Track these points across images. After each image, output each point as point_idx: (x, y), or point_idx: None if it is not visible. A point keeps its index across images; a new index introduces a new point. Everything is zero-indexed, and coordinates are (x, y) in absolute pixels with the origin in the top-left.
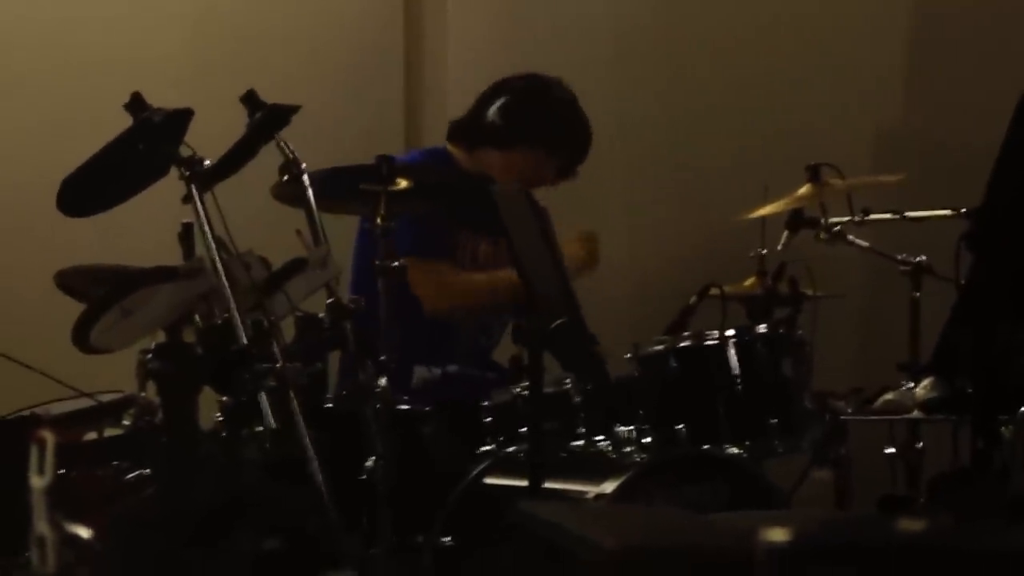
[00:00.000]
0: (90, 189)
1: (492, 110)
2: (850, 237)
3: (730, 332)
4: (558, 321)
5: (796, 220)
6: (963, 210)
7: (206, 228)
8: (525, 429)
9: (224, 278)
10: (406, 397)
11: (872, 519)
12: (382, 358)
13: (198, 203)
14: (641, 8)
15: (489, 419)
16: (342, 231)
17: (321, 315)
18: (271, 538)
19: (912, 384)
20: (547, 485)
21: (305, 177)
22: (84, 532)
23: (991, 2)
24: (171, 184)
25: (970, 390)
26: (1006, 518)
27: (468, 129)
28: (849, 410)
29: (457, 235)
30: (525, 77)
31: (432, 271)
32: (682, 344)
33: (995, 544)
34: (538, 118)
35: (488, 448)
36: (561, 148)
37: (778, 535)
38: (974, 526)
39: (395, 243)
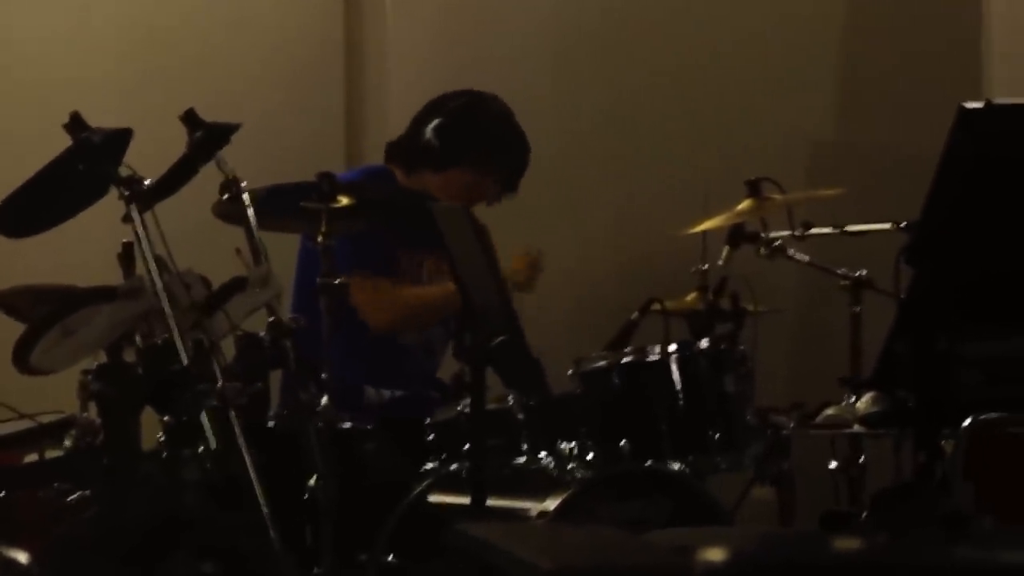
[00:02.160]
0: (29, 210)
1: (428, 131)
2: (790, 252)
3: (672, 348)
4: (499, 338)
5: (737, 235)
6: (903, 223)
7: (146, 247)
8: (468, 446)
9: (164, 298)
10: (355, 418)
11: (809, 536)
12: (323, 376)
13: (138, 223)
14: (582, 23)
15: (432, 436)
16: (283, 249)
17: (262, 334)
18: (211, 560)
19: (853, 399)
20: (490, 502)
21: (245, 195)
22: (22, 556)
23: (925, 12)
24: (111, 204)
25: (912, 404)
26: (945, 533)
27: (405, 151)
28: (791, 425)
29: (399, 252)
30: (459, 95)
31: (373, 287)
32: (624, 360)
33: (933, 560)
34: (473, 138)
35: (431, 466)
36: (498, 166)
37: (715, 554)
38: (912, 542)
39: (337, 261)
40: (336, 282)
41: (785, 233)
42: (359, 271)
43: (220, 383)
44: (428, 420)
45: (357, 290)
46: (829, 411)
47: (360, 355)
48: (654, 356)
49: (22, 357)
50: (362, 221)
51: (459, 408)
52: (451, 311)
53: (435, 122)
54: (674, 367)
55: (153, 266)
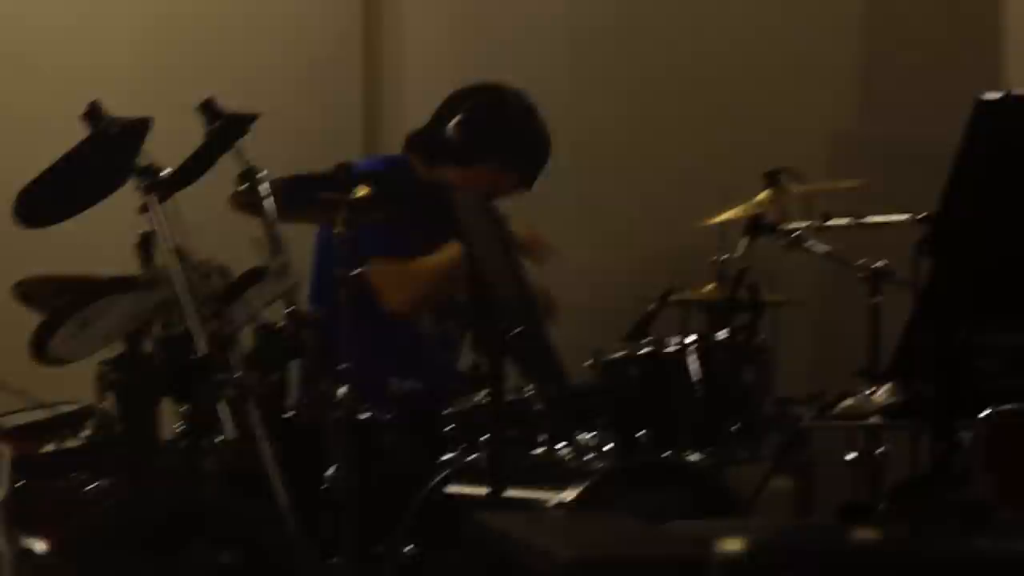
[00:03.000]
0: (48, 199)
1: (450, 127)
2: (809, 243)
3: (690, 339)
4: (517, 329)
5: (755, 226)
6: (921, 215)
7: (164, 237)
8: (486, 437)
9: (183, 288)
10: (374, 409)
11: (828, 527)
12: (342, 367)
13: (156, 213)
14: (600, 13)
15: (450, 427)
16: (301, 239)
17: (281, 324)
18: (230, 550)
19: (872, 390)
20: (508, 493)
21: (263, 185)
22: (41, 545)
23: (946, 5)
24: (129, 194)
25: (930, 395)
26: (964, 524)
27: (426, 144)
28: (809, 416)
29: (417, 242)
30: (482, 90)
31: (388, 270)
32: (642, 351)
33: (952, 551)
34: (497, 134)
35: (449, 456)
36: (521, 161)
37: (733, 544)
38: (931, 533)
39: (356, 250)
40: (354, 273)
41: (804, 224)
42: (376, 255)
43: (238, 373)
44: (446, 411)
45: (374, 275)
46: (847, 402)
47: (381, 346)
48: (672, 347)
49: (41, 347)
50: (380, 211)
51: (477, 399)
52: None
53: (458, 117)
54: (692, 358)
55: (171, 256)
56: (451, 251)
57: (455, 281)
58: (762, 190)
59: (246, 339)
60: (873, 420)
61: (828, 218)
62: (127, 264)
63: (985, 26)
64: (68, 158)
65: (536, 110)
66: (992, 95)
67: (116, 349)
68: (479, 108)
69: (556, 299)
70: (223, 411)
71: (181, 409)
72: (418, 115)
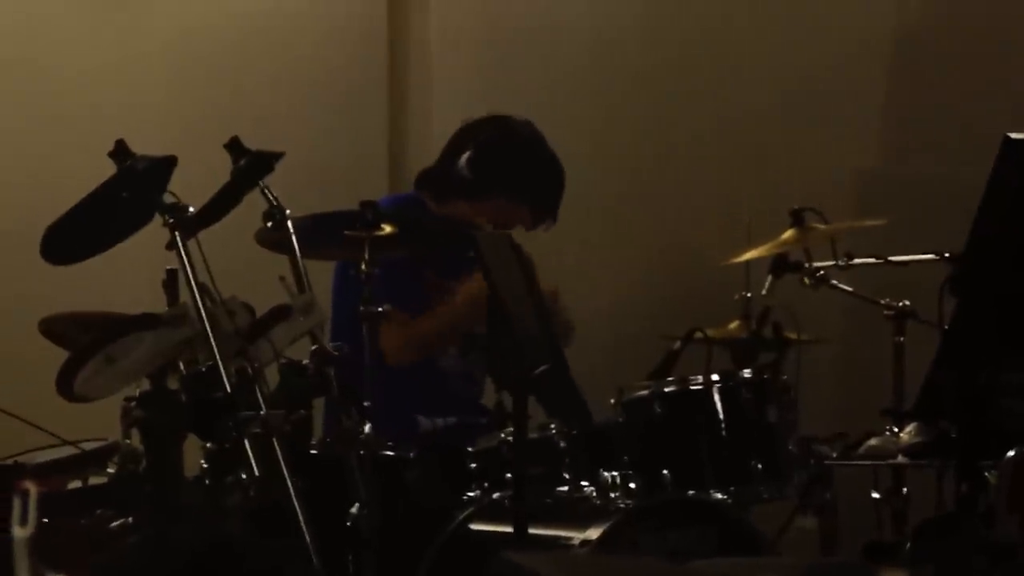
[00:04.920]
0: (74, 237)
1: (460, 162)
2: (834, 281)
3: (715, 377)
4: (541, 367)
5: (780, 264)
6: (946, 254)
7: (190, 275)
8: (510, 475)
9: (208, 325)
10: (398, 446)
11: (853, 566)
12: (366, 404)
13: (182, 250)
14: (623, 51)
15: (474, 464)
16: (326, 277)
17: (305, 362)
18: None
19: (896, 429)
20: (532, 531)
21: (289, 223)
22: None
23: (972, 44)
24: (155, 231)
25: (954, 435)
26: (989, 565)
27: (437, 181)
28: (834, 455)
29: (429, 280)
30: (490, 123)
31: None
32: (667, 389)
33: None
34: (506, 167)
35: (473, 494)
36: (532, 193)
37: None
38: (957, 572)
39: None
40: (379, 310)
41: (829, 263)
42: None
43: (263, 410)
44: (470, 448)
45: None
46: (872, 442)
47: (403, 382)
48: (697, 385)
49: (66, 384)
50: (403, 249)
51: (501, 436)
52: (471, 317)
53: (467, 153)
54: (717, 396)
55: (197, 293)
56: (470, 288)
57: (475, 315)
58: (787, 228)
59: (271, 376)
60: (898, 459)
61: (853, 257)
62: (153, 301)
63: (1012, 64)
64: (95, 196)
65: (543, 139)
66: (1019, 135)
67: (141, 386)
68: (487, 141)
69: (573, 322)
70: (248, 448)
71: (206, 446)
72: None
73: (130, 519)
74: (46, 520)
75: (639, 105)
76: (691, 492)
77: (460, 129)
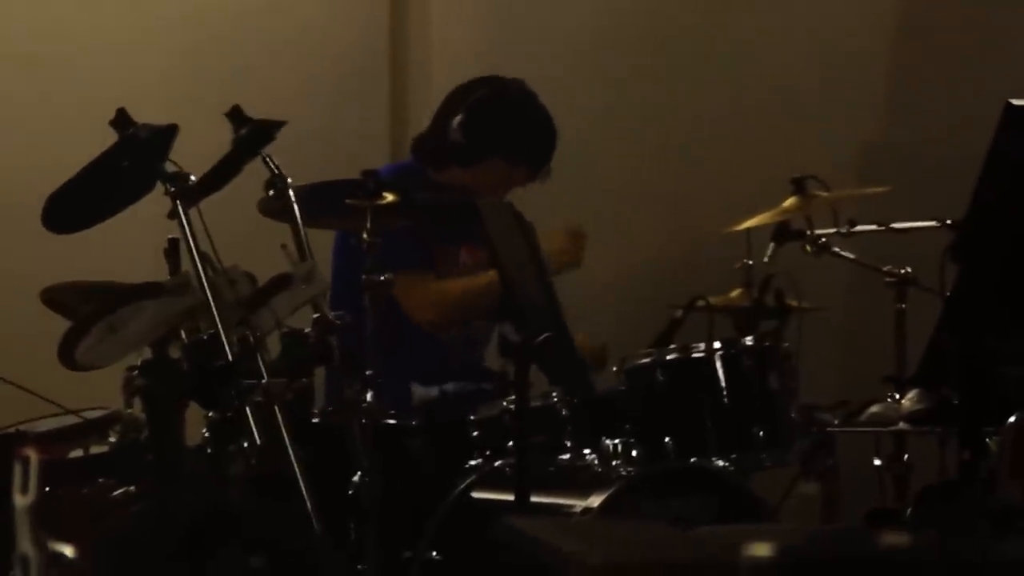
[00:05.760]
0: (76, 205)
1: (452, 128)
2: (836, 249)
3: (717, 344)
4: (544, 335)
5: (782, 232)
6: (948, 221)
7: (192, 244)
8: (512, 443)
9: (210, 294)
10: (400, 414)
11: (856, 533)
12: (368, 373)
13: (183, 219)
14: (626, 19)
15: (476, 433)
16: (328, 246)
17: (307, 330)
18: (257, 555)
19: (898, 396)
20: (534, 499)
21: (291, 192)
22: (69, 550)
23: (974, 12)
24: (157, 200)
25: (956, 401)
26: (991, 530)
27: (431, 148)
28: (836, 422)
29: (434, 246)
30: (479, 85)
31: (418, 284)
32: (669, 357)
33: (980, 557)
34: (499, 129)
35: (475, 462)
36: (526, 152)
37: (762, 549)
38: (959, 539)
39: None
40: (381, 279)
41: (831, 230)
42: (402, 269)
43: (265, 379)
44: (472, 416)
45: (402, 289)
46: (873, 408)
47: (402, 352)
48: (699, 353)
49: (68, 353)
50: (404, 217)
51: (503, 405)
52: (492, 301)
53: (458, 118)
54: (719, 364)
55: (199, 262)
56: (487, 277)
57: (487, 304)
58: (789, 196)
59: (273, 345)
60: (900, 426)
61: (854, 224)
62: (154, 270)
63: (1013, 33)
64: (96, 164)
65: (534, 97)
66: (1020, 101)
67: (143, 355)
68: (477, 106)
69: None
70: (250, 417)
71: (207, 415)
72: None
73: (132, 488)
74: (48, 489)
75: (643, 75)
76: (693, 460)
77: (450, 94)
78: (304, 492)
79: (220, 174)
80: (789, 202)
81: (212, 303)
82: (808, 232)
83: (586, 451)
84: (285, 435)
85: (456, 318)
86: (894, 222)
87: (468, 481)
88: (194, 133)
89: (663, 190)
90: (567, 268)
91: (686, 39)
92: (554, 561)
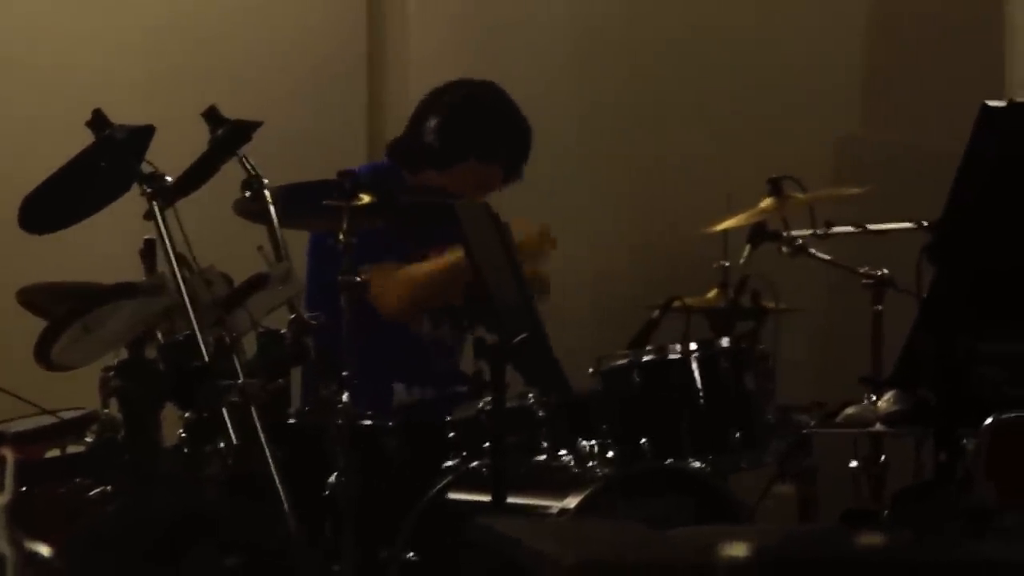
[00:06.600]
0: (52, 206)
1: (427, 131)
2: (812, 250)
3: (693, 346)
4: (520, 336)
5: (758, 233)
6: (924, 222)
7: (168, 244)
8: (488, 444)
9: (186, 294)
10: (376, 415)
11: (832, 533)
12: (344, 373)
13: (160, 219)
14: (602, 21)
15: (453, 434)
16: (303, 247)
17: (283, 331)
18: (233, 555)
19: (875, 397)
20: (511, 500)
21: (267, 193)
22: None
23: (949, 12)
24: (133, 200)
25: (933, 403)
26: (966, 530)
27: (406, 151)
28: (812, 424)
29: (407, 248)
30: (454, 88)
31: (384, 275)
32: (645, 358)
33: (954, 557)
34: (473, 132)
35: (452, 463)
36: (501, 156)
37: (738, 550)
38: (934, 539)
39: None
40: (357, 280)
41: (807, 232)
42: (373, 263)
43: (241, 379)
44: (448, 417)
45: (372, 283)
46: (850, 410)
47: (379, 352)
48: (675, 354)
49: (44, 353)
50: (379, 218)
51: (480, 405)
52: (457, 282)
53: (433, 121)
54: (695, 365)
55: (175, 263)
56: (451, 256)
57: (453, 287)
58: (765, 197)
59: (249, 345)
60: (876, 427)
61: (831, 225)
62: (130, 271)
63: (989, 32)
64: (72, 165)
65: (508, 99)
66: (996, 103)
67: (119, 355)
68: (451, 109)
69: (549, 280)
70: (226, 417)
71: (184, 415)
72: None
73: (108, 487)
74: (24, 488)
75: (618, 74)
76: (669, 461)
77: (424, 98)
78: (280, 492)
79: (197, 175)
80: (765, 203)
81: (188, 304)
82: (784, 233)
83: (562, 452)
84: (261, 435)
85: (424, 301)
86: (870, 223)
87: (444, 482)
88: (171, 134)
89: (639, 191)
90: (537, 286)
91: (662, 41)
92: (530, 561)
